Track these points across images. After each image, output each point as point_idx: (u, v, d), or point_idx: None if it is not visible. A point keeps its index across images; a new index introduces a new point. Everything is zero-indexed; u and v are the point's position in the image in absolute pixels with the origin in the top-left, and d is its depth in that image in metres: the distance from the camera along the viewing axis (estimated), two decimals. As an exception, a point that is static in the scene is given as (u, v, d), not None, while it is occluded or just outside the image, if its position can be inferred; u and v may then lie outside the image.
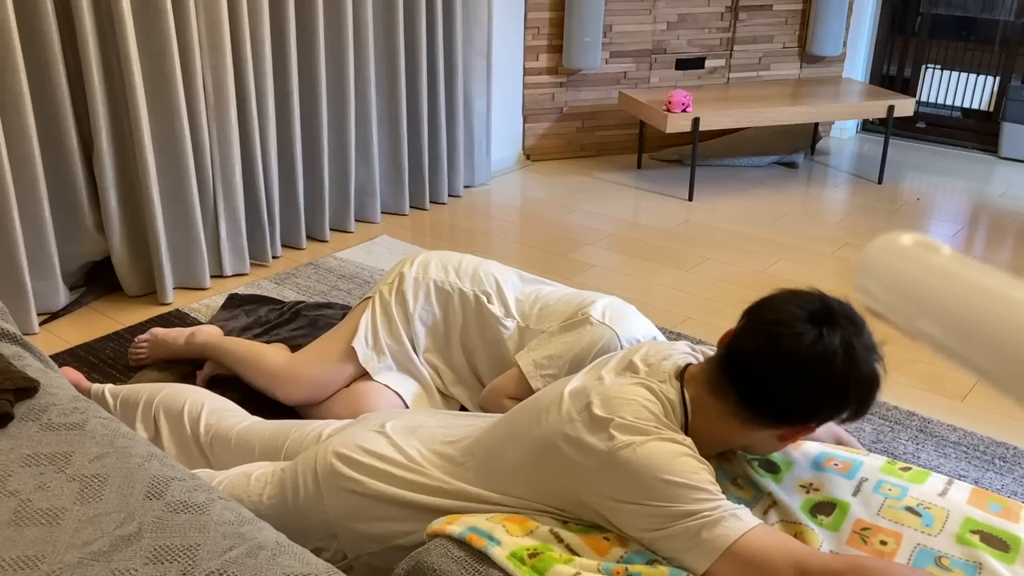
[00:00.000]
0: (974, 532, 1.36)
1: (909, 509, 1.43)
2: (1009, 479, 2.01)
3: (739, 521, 1.25)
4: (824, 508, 1.46)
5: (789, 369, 1.31)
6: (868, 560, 1.24)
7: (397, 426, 1.58)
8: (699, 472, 1.29)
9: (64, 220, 2.68)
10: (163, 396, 1.97)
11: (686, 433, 1.39)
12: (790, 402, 1.33)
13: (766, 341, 1.33)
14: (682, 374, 1.43)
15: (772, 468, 1.54)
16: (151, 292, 2.87)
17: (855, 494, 1.49)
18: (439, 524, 1.35)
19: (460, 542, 1.31)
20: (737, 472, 1.55)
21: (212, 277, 2.98)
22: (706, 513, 1.25)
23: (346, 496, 1.52)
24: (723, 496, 1.29)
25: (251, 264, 3.08)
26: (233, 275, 3.00)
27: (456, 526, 1.33)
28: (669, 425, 1.34)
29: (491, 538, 1.30)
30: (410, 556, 1.32)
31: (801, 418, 1.36)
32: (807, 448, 1.60)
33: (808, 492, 1.51)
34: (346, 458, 1.54)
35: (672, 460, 1.28)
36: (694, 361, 1.48)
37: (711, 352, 1.62)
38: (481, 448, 1.48)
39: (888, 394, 2.38)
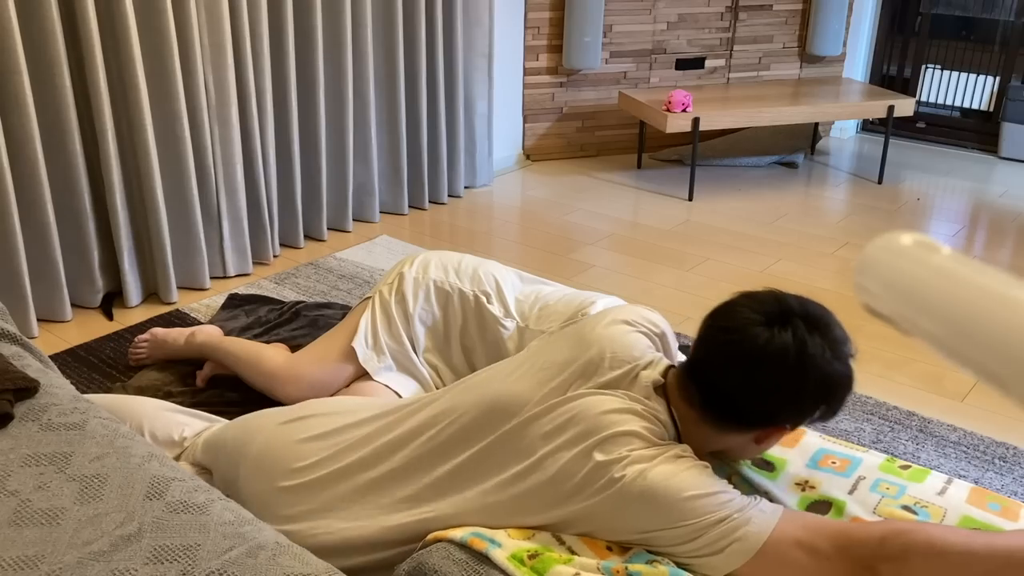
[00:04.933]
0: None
1: (906, 507, 1.44)
2: (1009, 479, 2.01)
3: (764, 514, 1.27)
4: (819, 507, 1.46)
5: (741, 372, 1.31)
6: (904, 524, 1.25)
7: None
8: (708, 475, 1.30)
9: (65, 223, 2.67)
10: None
11: None
12: (747, 405, 1.33)
13: (719, 347, 1.33)
14: (663, 385, 1.41)
15: (767, 466, 1.55)
16: (151, 294, 2.87)
17: (851, 492, 1.50)
18: (440, 531, 1.36)
19: (461, 545, 1.31)
20: (732, 470, 1.55)
21: (216, 278, 2.98)
22: (735, 515, 1.26)
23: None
24: (735, 490, 1.31)
25: (253, 264, 3.08)
26: (236, 275, 3.00)
27: (457, 531, 1.33)
28: (665, 443, 1.34)
29: (492, 541, 1.30)
30: (411, 558, 1.32)
31: (764, 421, 1.35)
32: (805, 445, 1.61)
33: (804, 490, 1.51)
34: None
35: (685, 475, 1.28)
36: (664, 360, 1.46)
37: (666, 328, 1.60)
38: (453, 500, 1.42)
39: (888, 394, 2.38)
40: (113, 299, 2.80)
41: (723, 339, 1.33)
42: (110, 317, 2.70)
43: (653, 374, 1.41)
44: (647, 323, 1.53)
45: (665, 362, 1.44)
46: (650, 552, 1.30)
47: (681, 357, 1.61)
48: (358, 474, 1.48)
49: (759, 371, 1.30)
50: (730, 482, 1.50)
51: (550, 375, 1.43)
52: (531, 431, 1.38)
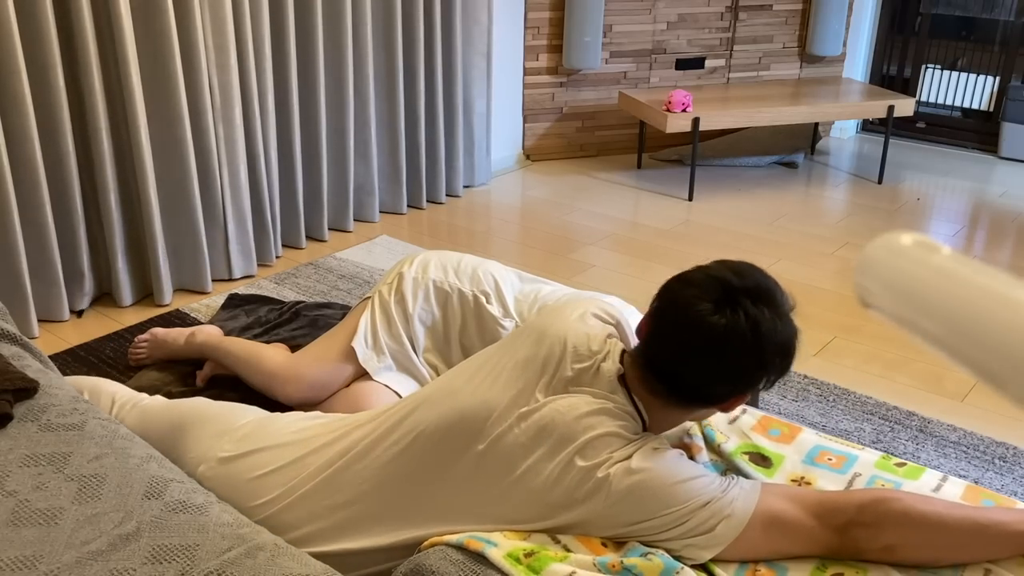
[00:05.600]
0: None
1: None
2: (1009, 479, 2.01)
3: (745, 490, 1.34)
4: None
5: (704, 362, 1.33)
6: (884, 492, 1.32)
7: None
8: (687, 462, 1.36)
9: (64, 225, 2.66)
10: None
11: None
12: (714, 389, 1.36)
13: (677, 342, 1.34)
14: (624, 375, 1.42)
15: (764, 462, 1.56)
16: (147, 295, 2.86)
17: (847, 489, 1.50)
18: (436, 537, 1.36)
19: (458, 547, 1.31)
20: (727, 465, 1.56)
21: (220, 280, 2.97)
22: (719, 495, 1.32)
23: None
24: (712, 472, 1.37)
25: (257, 265, 3.07)
26: (241, 277, 2.99)
27: (453, 536, 1.34)
28: (639, 436, 1.37)
29: (488, 541, 1.30)
30: (409, 560, 1.32)
31: (730, 396, 1.38)
32: (801, 442, 1.61)
33: (799, 486, 1.51)
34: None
35: (666, 465, 1.32)
36: (619, 345, 1.46)
37: (627, 310, 1.61)
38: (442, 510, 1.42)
39: (888, 394, 2.38)
40: (95, 300, 2.79)
41: (680, 336, 1.34)
42: (79, 314, 2.70)
43: (613, 366, 1.41)
44: (603, 314, 1.55)
45: (619, 347, 1.45)
46: (644, 545, 1.31)
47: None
48: (328, 499, 1.45)
49: (721, 359, 1.32)
50: (724, 475, 1.52)
51: (513, 376, 1.43)
52: (508, 443, 1.37)
